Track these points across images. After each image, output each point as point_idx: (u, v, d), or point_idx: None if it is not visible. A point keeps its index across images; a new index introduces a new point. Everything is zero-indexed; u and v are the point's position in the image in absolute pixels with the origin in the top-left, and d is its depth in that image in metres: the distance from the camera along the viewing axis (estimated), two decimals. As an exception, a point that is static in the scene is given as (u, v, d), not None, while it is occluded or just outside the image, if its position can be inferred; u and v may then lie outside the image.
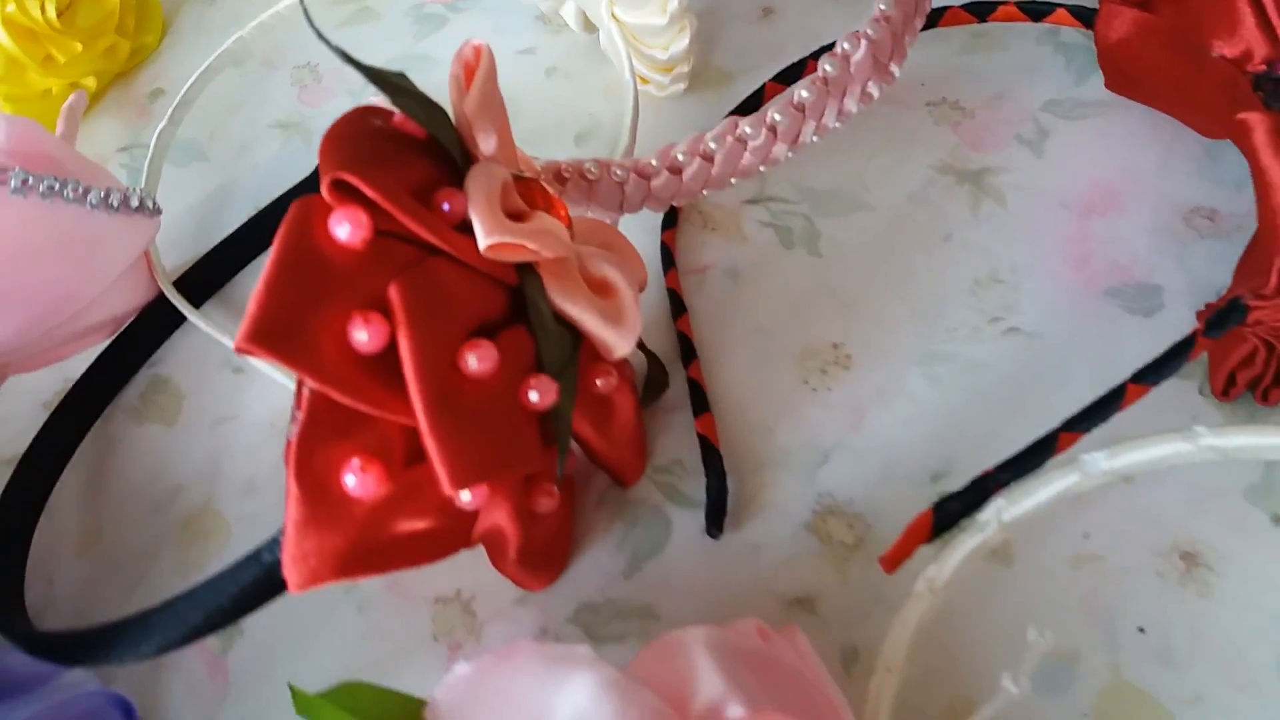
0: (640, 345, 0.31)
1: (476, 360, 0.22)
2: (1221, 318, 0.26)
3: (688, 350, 0.31)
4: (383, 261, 0.22)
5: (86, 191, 0.31)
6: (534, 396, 0.24)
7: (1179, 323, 0.30)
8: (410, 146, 0.24)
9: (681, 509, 0.29)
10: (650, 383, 0.31)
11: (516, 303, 0.25)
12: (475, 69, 0.26)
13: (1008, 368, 0.30)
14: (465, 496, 0.23)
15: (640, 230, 0.34)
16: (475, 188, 0.24)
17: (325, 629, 0.29)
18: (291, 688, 0.22)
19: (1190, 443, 0.24)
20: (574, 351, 0.25)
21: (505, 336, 0.24)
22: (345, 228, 0.22)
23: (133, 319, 0.34)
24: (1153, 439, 0.24)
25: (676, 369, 0.31)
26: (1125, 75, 0.34)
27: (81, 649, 0.24)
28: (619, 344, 0.26)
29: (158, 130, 0.38)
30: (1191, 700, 0.24)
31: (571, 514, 0.29)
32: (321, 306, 0.21)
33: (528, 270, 0.25)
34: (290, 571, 0.22)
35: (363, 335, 0.21)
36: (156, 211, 0.34)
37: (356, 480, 0.22)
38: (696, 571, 0.28)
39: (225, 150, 0.42)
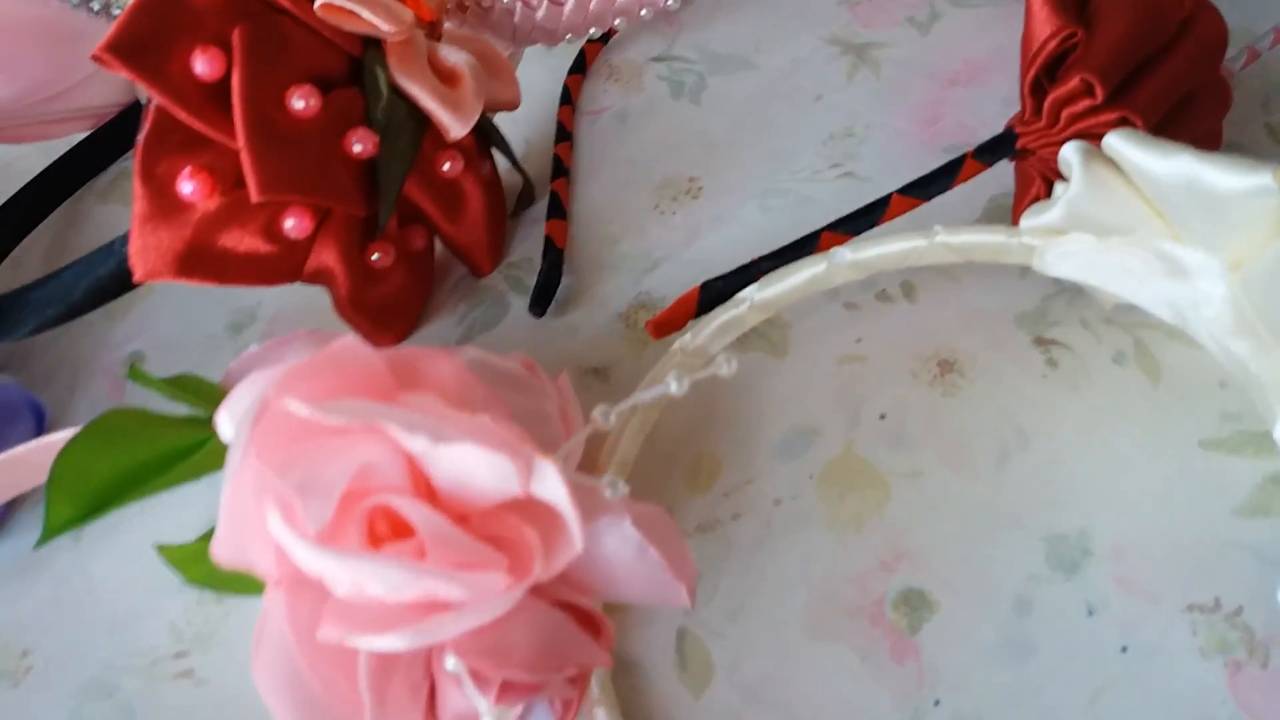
0: (515, 165, 0.34)
1: (300, 99, 0.26)
2: (993, 144, 0.28)
3: (558, 169, 0.35)
4: (232, 10, 0.26)
5: (69, -9, 0.36)
6: (356, 146, 0.28)
7: (1004, 176, 0.32)
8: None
9: (521, 296, 0.32)
10: (521, 196, 0.35)
11: (357, 72, 0.29)
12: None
13: (834, 204, 0.32)
14: (289, 224, 0.28)
15: (550, 74, 0.38)
16: (327, -36, 0.28)
17: (208, 363, 0.33)
18: (131, 366, 0.27)
19: (926, 239, 0.26)
20: (410, 121, 0.29)
21: (338, 93, 0.28)
22: (199, -25, 0.26)
23: (114, 117, 0.40)
24: (894, 236, 0.27)
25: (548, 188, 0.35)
26: (1015, -36, 0.36)
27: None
28: (454, 125, 0.29)
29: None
30: (909, 474, 0.26)
31: (423, 289, 0.33)
32: (173, 37, 0.26)
33: (372, 44, 0.29)
34: (135, 262, 0.27)
35: (201, 64, 0.26)
36: (140, 27, 0.39)
37: (190, 186, 0.26)
38: (518, 343, 0.31)
39: None
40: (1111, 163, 0.23)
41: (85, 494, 0.22)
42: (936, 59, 0.36)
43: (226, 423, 0.21)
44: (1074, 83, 0.25)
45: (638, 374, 0.30)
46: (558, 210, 0.33)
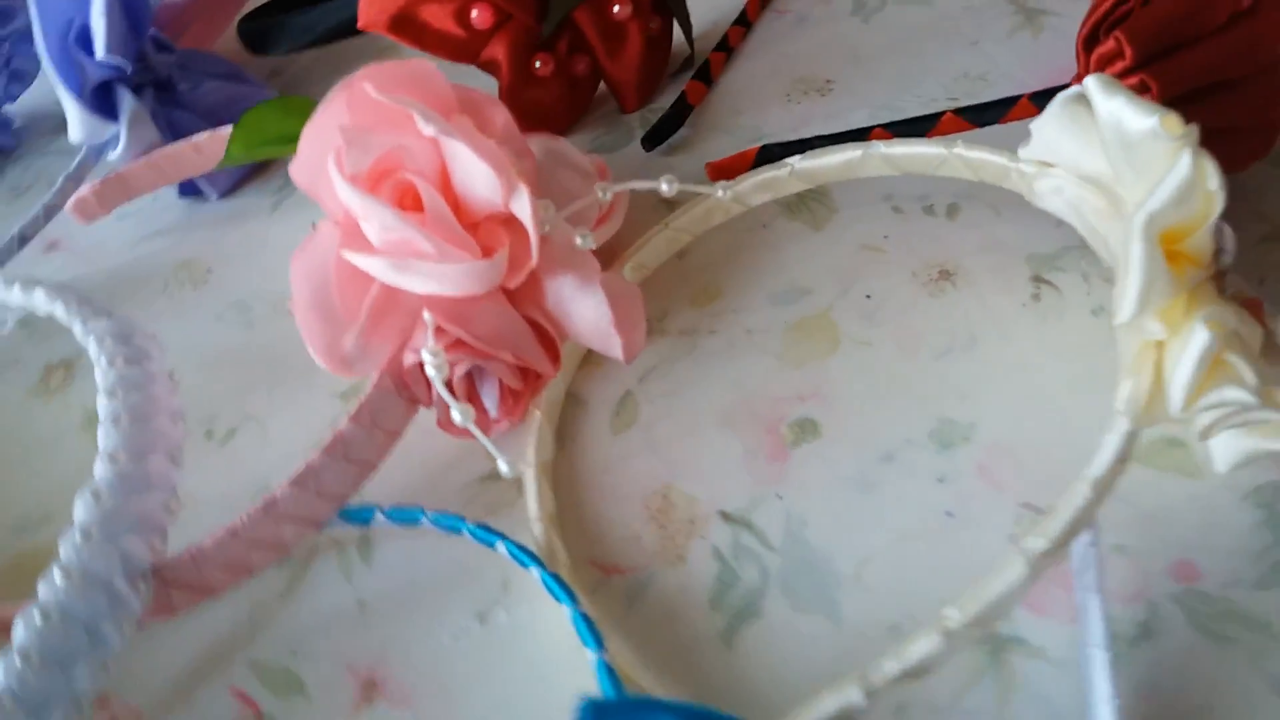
0: (686, 33, 0.40)
1: (502, -84, 0.34)
2: (1049, 92, 0.30)
3: (721, 45, 0.40)
4: None
5: None
6: (537, -34, 0.35)
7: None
8: None
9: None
10: (686, 61, 0.41)
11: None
12: None
13: (930, 128, 0.36)
14: (475, 14, 0.35)
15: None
16: None
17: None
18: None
19: (946, 149, 0.30)
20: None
21: (537, -77, 0.35)
22: None
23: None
24: (921, 144, 0.30)
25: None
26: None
27: (257, 39, 0.40)
28: (626, -24, 0.36)
29: None
30: (861, 342, 0.30)
31: (574, 109, 0.40)
32: None
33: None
34: (361, 13, 0.36)
35: None
36: None
37: (407, -37, 0.34)
38: (627, 163, 0.38)
39: None
40: (1090, 107, 0.26)
41: (255, 140, 0.32)
42: (1096, 35, 0.37)
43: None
44: (1110, 43, 0.27)
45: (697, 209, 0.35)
46: (704, 75, 0.39)
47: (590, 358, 0.32)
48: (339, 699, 0.26)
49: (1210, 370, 0.21)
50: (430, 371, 0.26)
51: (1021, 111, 0.31)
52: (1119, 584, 0.24)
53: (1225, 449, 0.24)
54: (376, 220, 0.26)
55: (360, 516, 0.28)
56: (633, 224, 0.34)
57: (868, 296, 0.31)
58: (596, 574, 0.27)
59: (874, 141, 0.31)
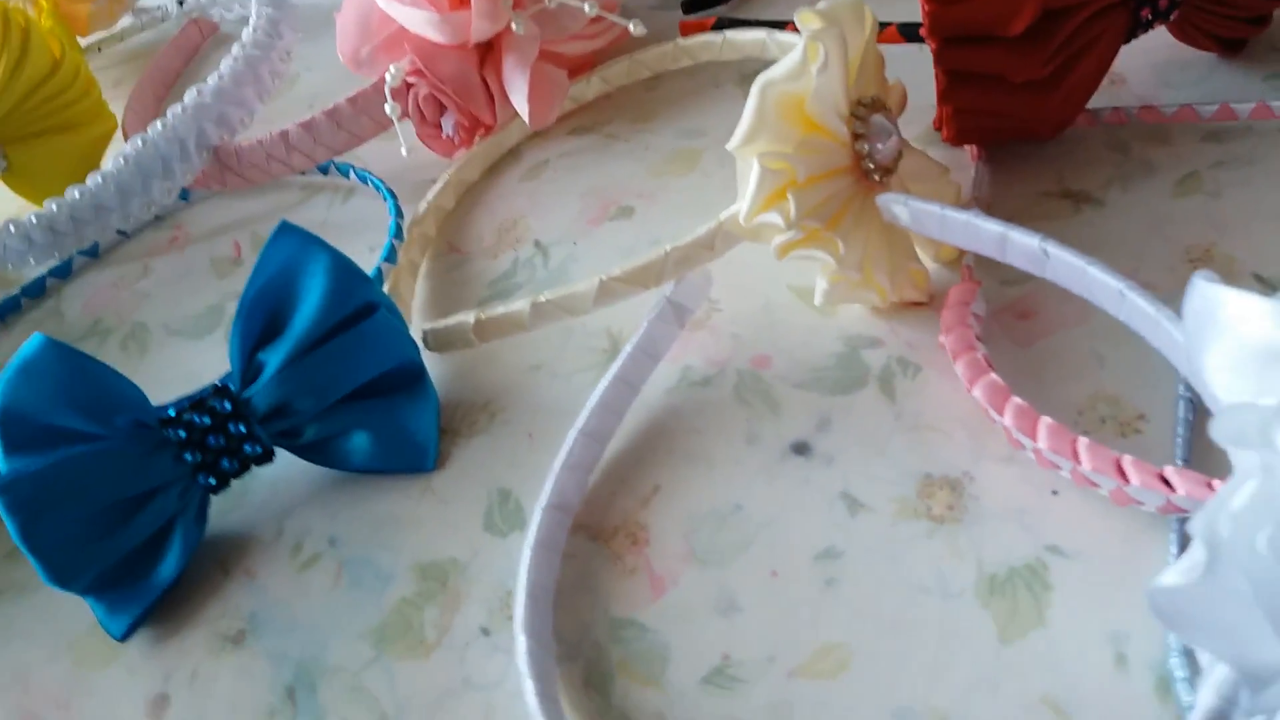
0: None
1: None
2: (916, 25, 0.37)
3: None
4: None
5: None
6: None
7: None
8: None
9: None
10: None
11: None
12: None
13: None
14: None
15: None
16: None
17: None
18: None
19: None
20: None
21: None
22: None
23: None
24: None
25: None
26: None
27: None
28: None
29: None
30: (705, 174, 0.40)
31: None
32: None
33: None
34: None
35: None
36: None
37: None
38: (666, 21, 0.48)
39: None
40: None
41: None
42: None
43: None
44: (927, -17, 0.34)
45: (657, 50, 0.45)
46: (760, -29, 0.48)
47: (541, 133, 0.44)
48: (280, 264, 0.42)
49: (771, 198, 0.30)
50: (387, 77, 0.39)
51: (886, 37, 0.38)
52: (715, 352, 0.33)
53: (819, 288, 0.32)
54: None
55: (343, 169, 0.43)
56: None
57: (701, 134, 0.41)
58: (445, 247, 0.40)
59: (780, 33, 0.40)
